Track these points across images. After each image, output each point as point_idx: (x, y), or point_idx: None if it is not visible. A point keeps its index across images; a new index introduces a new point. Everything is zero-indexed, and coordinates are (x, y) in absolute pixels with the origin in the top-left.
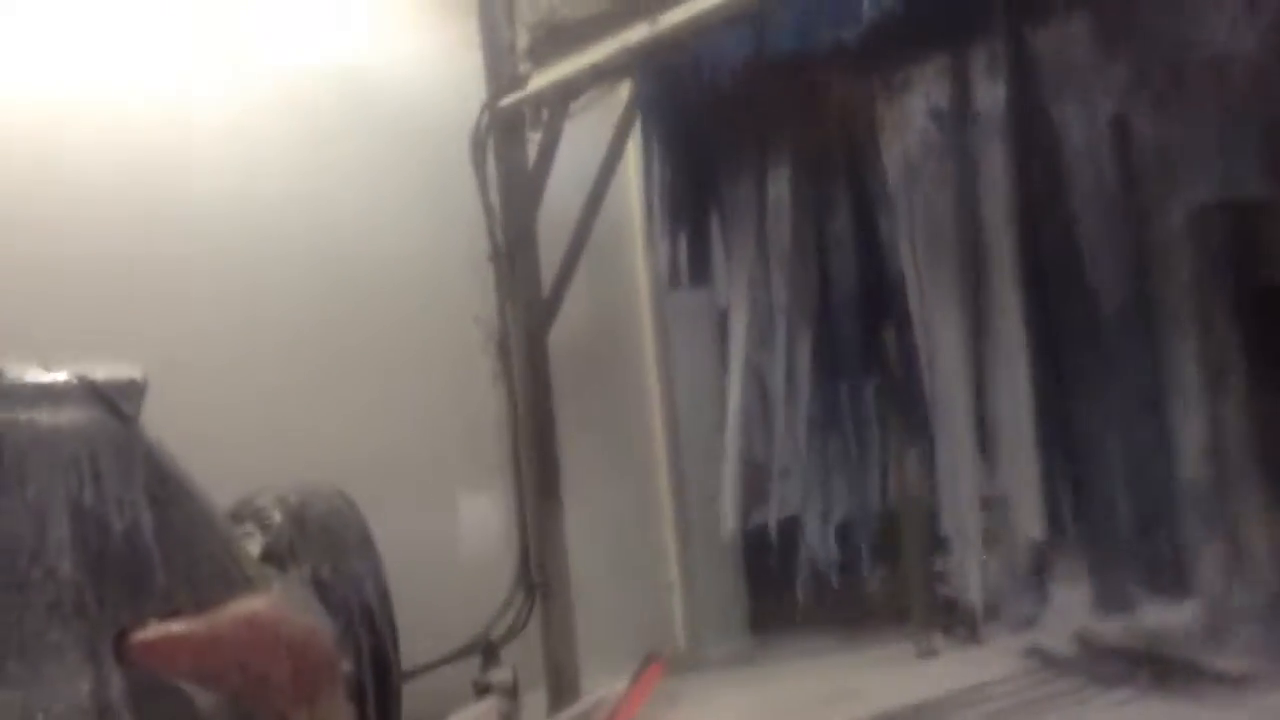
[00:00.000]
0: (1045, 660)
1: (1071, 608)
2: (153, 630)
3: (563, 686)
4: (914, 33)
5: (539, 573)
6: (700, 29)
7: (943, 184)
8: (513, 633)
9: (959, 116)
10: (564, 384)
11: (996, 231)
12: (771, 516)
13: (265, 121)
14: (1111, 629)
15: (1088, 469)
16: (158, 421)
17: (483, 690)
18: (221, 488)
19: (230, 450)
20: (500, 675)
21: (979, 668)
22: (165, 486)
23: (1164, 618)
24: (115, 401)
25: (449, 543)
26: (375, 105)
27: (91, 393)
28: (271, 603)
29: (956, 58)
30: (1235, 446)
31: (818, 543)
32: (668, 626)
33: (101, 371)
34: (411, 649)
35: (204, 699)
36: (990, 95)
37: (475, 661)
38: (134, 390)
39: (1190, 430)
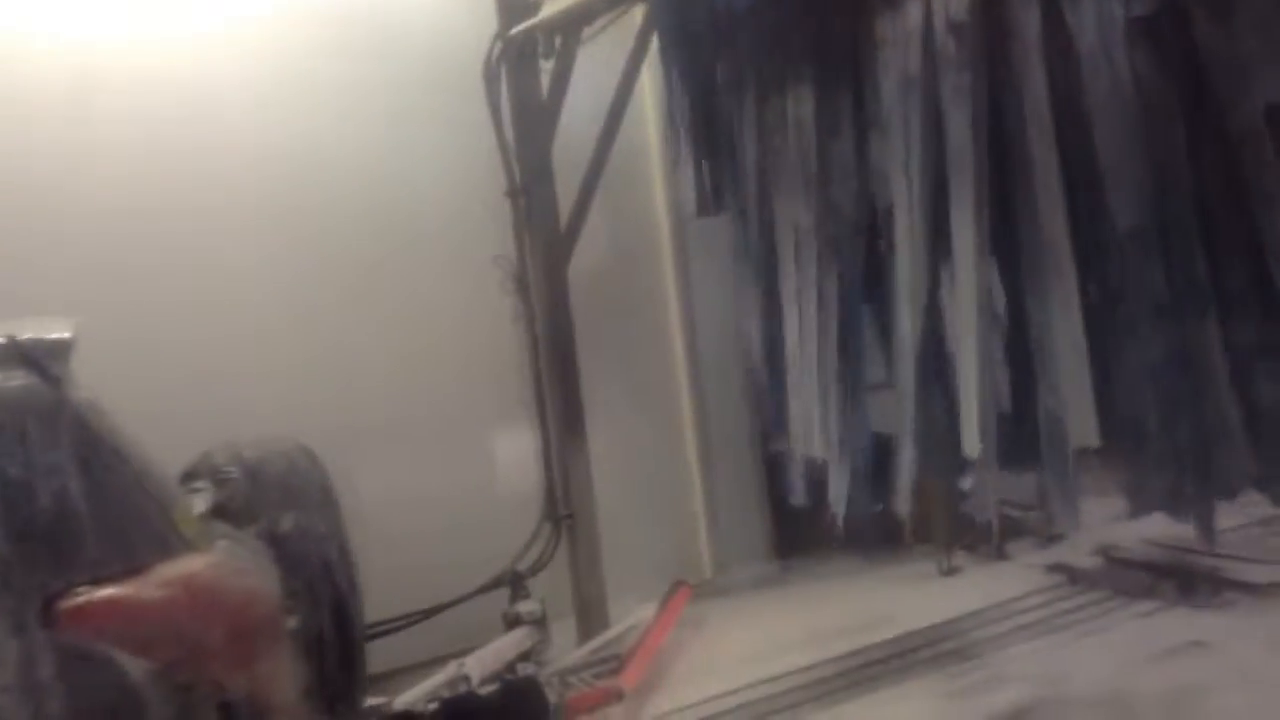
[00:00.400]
0: (1070, 575)
1: (1097, 522)
2: (81, 597)
3: (591, 616)
4: None
5: (565, 505)
6: None
7: (967, 98)
8: (540, 565)
9: (981, 28)
10: (584, 318)
11: (1040, 142)
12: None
13: (273, 62)
14: (1135, 542)
15: (1144, 377)
16: (182, 362)
17: (512, 622)
18: (247, 429)
19: (258, 391)
20: (529, 607)
21: (1004, 584)
22: (96, 449)
23: (1187, 530)
24: (41, 363)
25: (477, 479)
26: (384, 40)
27: (15, 355)
28: (209, 565)
29: None
30: None
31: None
32: (693, 553)
33: (28, 331)
34: (442, 583)
35: (137, 669)
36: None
37: (505, 594)
38: (61, 350)
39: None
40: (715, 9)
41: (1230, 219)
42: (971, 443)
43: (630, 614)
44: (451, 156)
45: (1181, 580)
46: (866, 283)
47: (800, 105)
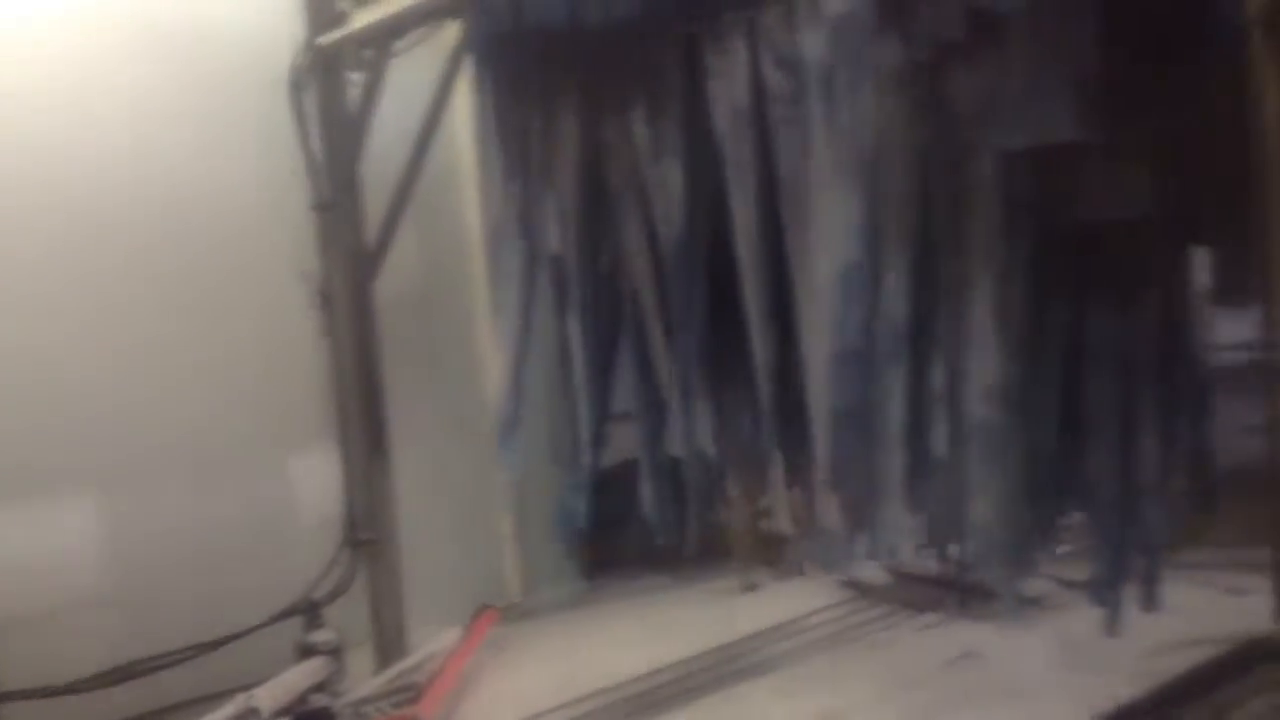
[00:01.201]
0: (861, 590)
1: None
2: None
3: (390, 644)
4: None
5: (366, 530)
6: None
7: (791, 133)
8: (338, 592)
9: (798, 66)
10: (392, 337)
11: (824, 183)
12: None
13: (72, 62)
14: (921, 558)
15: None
16: None
17: (305, 651)
18: (29, 446)
19: (41, 408)
20: (323, 635)
21: (800, 600)
22: None
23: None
24: None
25: (275, 503)
26: (188, 45)
27: None
28: None
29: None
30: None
31: (649, 486)
32: (501, 576)
33: None
34: (235, 611)
35: None
36: (814, 44)
37: (300, 623)
38: None
39: (985, 368)
40: (532, 30)
41: (942, 266)
42: (825, 454)
43: (432, 640)
44: (257, 166)
45: (960, 593)
46: (700, 302)
47: (625, 132)
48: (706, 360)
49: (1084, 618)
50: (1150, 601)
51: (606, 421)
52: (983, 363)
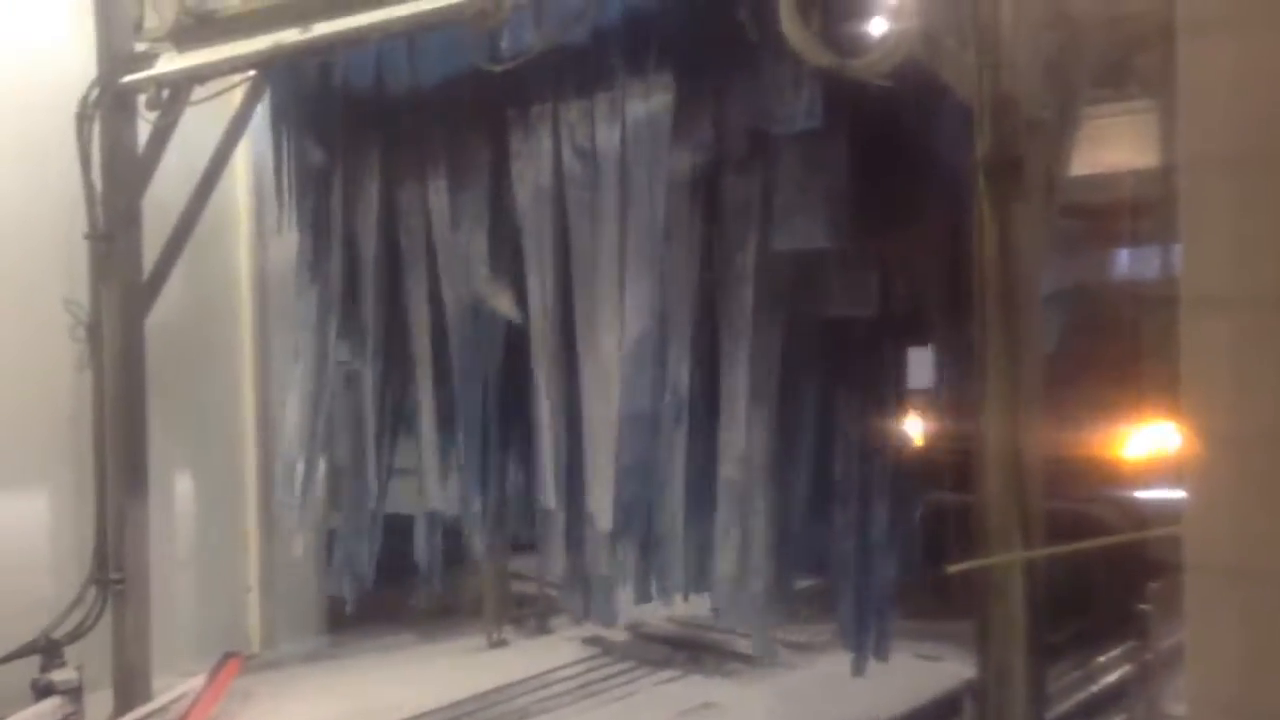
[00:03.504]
0: (604, 648)
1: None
2: None
3: (132, 687)
4: (551, 75)
5: (116, 569)
6: (351, 41)
7: (584, 214)
8: (81, 631)
9: (594, 156)
10: (154, 374)
11: (613, 264)
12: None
13: None
14: (658, 619)
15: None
16: None
17: (44, 691)
18: None
19: None
20: (64, 675)
21: (546, 656)
22: None
23: (702, 608)
24: None
25: (17, 537)
26: None
27: None
28: None
29: (591, 102)
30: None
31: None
32: (243, 625)
33: None
34: None
35: None
36: (609, 142)
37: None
38: None
39: (731, 437)
40: (338, 91)
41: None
42: (548, 498)
43: (176, 685)
44: (29, 191)
45: (693, 652)
46: (480, 364)
47: (430, 197)
48: (486, 420)
49: (806, 676)
50: (882, 651)
51: (392, 472)
52: (732, 431)
